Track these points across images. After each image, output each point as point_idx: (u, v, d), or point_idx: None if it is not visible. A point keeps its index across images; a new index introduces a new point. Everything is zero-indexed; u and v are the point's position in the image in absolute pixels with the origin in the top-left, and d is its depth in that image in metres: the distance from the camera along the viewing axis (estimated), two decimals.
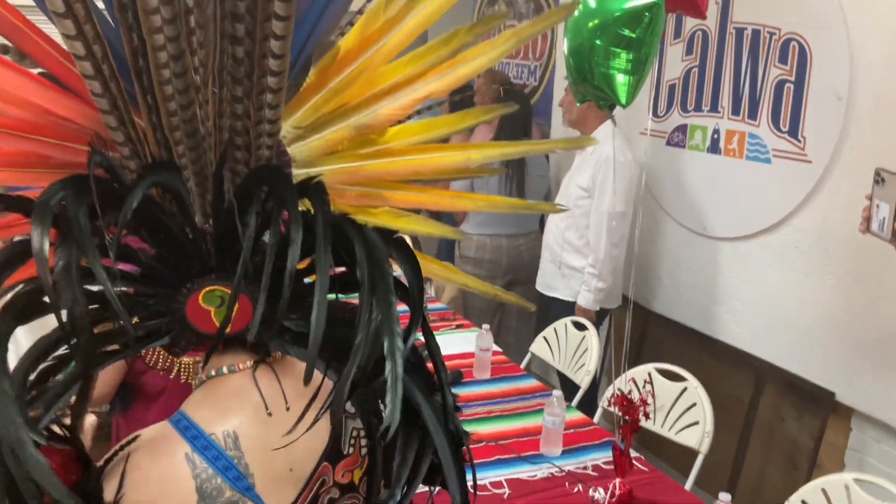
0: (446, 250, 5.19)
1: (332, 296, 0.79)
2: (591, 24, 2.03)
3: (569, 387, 3.29)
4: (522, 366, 3.46)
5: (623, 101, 2.13)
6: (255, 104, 0.81)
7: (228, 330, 0.85)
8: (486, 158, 0.99)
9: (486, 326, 3.04)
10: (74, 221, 0.72)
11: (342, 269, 0.84)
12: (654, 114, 3.68)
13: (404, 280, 0.86)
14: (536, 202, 1.02)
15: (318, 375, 0.93)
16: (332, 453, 0.90)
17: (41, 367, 0.78)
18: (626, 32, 1.99)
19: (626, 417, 2.15)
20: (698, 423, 2.69)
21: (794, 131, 2.97)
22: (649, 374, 2.88)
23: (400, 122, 0.99)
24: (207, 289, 0.84)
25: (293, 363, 0.93)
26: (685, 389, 2.78)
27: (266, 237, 0.83)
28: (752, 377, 3.27)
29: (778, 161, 3.05)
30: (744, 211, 3.23)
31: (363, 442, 0.94)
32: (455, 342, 3.24)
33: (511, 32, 0.92)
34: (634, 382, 2.27)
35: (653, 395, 2.20)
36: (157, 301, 0.85)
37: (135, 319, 0.85)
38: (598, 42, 2.01)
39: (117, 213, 0.75)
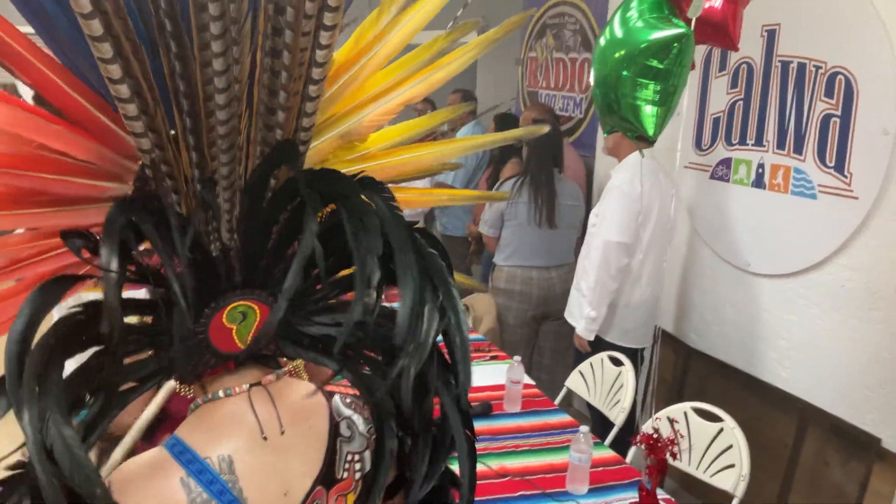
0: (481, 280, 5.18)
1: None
2: (617, 55, 2.00)
3: (605, 424, 3.21)
4: (557, 401, 3.40)
5: (651, 132, 2.10)
6: (291, 114, 0.82)
7: (251, 339, 0.85)
8: (458, 151, 1.04)
9: (517, 358, 3.00)
10: (151, 236, 0.75)
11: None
12: (698, 147, 3.62)
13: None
14: (494, 192, 1.10)
15: (317, 395, 0.93)
16: (327, 477, 0.90)
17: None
18: (654, 63, 1.96)
19: (653, 457, 2.08)
20: (734, 466, 2.59)
21: (840, 167, 2.88)
22: (685, 414, 2.79)
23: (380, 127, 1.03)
24: (232, 305, 0.84)
25: (290, 385, 0.93)
26: (721, 430, 2.69)
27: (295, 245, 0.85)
28: (796, 419, 3.15)
29: (824, 197, 2.96)
30: (789, 247, 3.14)
31: (357, 466, 0.94)
32: (487, 373, 3.21)
33: (479, 39, 0.98)
34: (669, 421, 2.21)
35: (681, 435, 2.13)
36: (167, 336, 0.85)
37: (151, 352, 0.85)
38: (624, 73, 1.98)
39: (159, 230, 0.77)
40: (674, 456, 2.08)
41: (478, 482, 2.38)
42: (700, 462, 2.72)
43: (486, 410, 2.84)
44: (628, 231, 3.24)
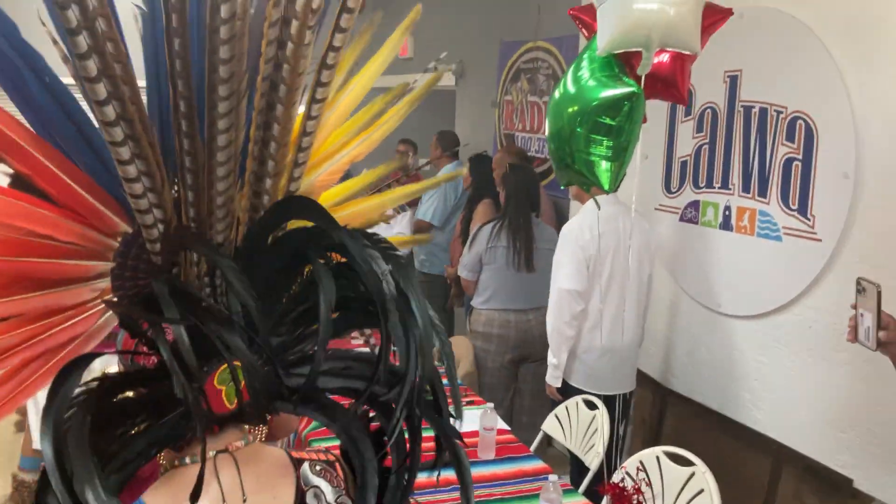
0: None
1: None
2: (570, 110, 2.05)
3: (584, 467, 3.21)
4: (534, 445, 3.40)
5: (606, 187, 2.14)
6: (280, 179, 0.87)
7: (237, 406, 0.87)
8: (402, 199, 1.10)
9: (490, 405, 3.00)
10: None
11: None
12: (668, 190, 3.67)
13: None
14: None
15: (281, 466, 0.95)
16: None
17: None
18: (606, 120, 2.00)
19: None
20: None
21: (803, 209, 2.93)
22: (657, 458, 2.80)
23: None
24: (223, 367, 0.86)
25: (260, 451, 0.95)
26: (693, 475, 2.70)
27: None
28: (771, 460, 3.16)
29: (789, 239, 3.01)
30: (757, 289, 3.17)
31: None
32: (464, 420, 3.20)
33: (407, 100, 1.06)
34: (636, 469, 2.22)
35: (647, 484, 2.14)
36: (161, 409, 0.87)
37: (144, 425, 0.87)
38: (578, 129, 2.03)
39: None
40: None
41: None
42: None
43: None
44: (579, 278, 3.27)
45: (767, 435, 3.17)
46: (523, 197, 4.04)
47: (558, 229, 4.52)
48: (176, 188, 0.85)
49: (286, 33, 0.80)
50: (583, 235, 3.26)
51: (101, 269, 0.87)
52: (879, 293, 1.95)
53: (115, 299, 0.85)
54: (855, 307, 2.08)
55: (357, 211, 1.05)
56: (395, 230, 5.31)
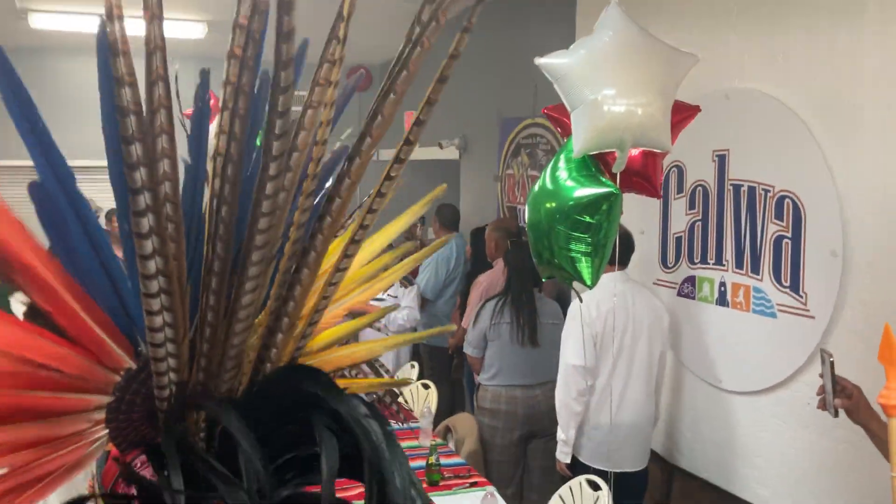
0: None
1: None
2: (548, 206, 2.11)
3: None
4: None
5: (589, 282, 2.18)
6: (292, 336, 0.91)
7: None
8: (387, 348, 1.10)
9: (490, 490, 3.00)
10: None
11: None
12: (664, 265, 3.71)
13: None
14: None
15: None
16: None
17: None
18: (586, 218, 2.06)
19: None
20: None
21: (795, 286, 2.96)
22: None
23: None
24: None
25: None
26: None
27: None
28: None
29: (783, 315, 3.03)
30: (755, 365, 3.18)
31: None
32: (466, 502, 3.20)
33: (413, 258, 1.07)
34: None
35: None
36: None
37: None
38: (559, 227, 2.08)
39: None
40: None
41: None
42: None
43: None
44: (586, 354, 3.30)
45: None
46: (526, 272, 4.09)
47: (561, 303, 4.58)
48: (191, 338, 0.89)
49: (326, 207, 0.85)
50: (589, 313, 3.29)
51: (100, 402, 0.91)
52: (832, 363, 2.09)
53: (112, 435, 0.88)
54: (822, 376, 2.14)
55: (345, 355, 1.07)
56: (403, 303, 5.36)
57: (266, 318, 0.91)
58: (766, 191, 3.07)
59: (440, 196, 1.10)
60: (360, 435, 0.83)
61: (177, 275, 0.81)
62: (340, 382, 1.14)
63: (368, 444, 0.83)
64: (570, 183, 2.12)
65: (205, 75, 0.93)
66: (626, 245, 3.37)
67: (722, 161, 3.30)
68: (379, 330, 1.25)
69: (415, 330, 5.69)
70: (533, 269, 4.12)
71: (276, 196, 0.81)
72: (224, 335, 0.86)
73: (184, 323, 0.84)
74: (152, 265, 0.78)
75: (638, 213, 3.66)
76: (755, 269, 3.15)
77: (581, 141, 2.04)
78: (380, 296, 5.47)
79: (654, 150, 2.19)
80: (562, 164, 2.18)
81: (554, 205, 2.13)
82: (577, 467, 3.53)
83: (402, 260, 1.10)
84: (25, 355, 0.81)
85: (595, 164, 2.16)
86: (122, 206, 0.80)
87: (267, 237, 0.82)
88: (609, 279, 3.17)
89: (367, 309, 1.19)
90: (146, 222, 0.77)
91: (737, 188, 3.22)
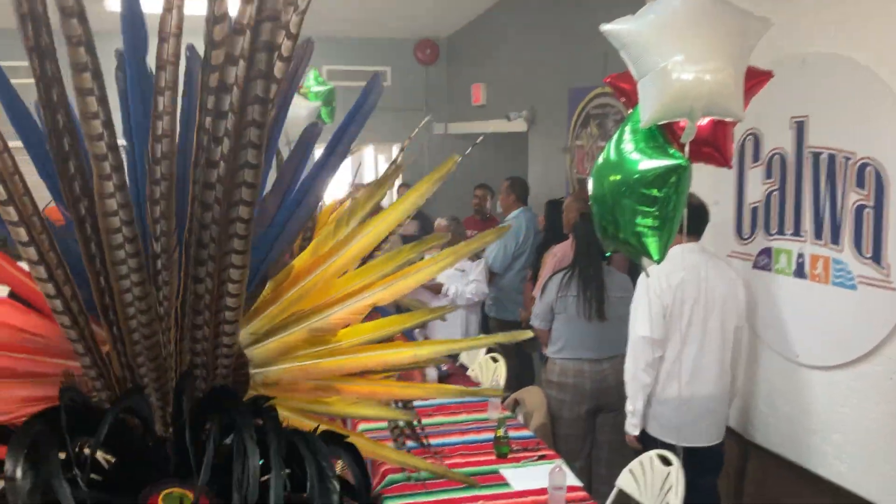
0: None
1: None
2: (613, 179, 2.06)
3: None
4: (608, 502, 3.36)
5: (656, 257, 2.13)
6: (213, 332, 0.93)
7: None
8: (434, 354, 1.06)
9: (558, 463, 2.99)
10: (44, 458, 0.85)
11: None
12: (740, 236, 3.61)
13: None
14: (479, 388, 1.08)
15: None
16: None
17: None
18: (654, 192, 2.01)
19: None
20: None
21: (877, 257, 2.84)
22: None
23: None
24: (166, 491, 0.94)
25: None
26: None
27: (227, 440, 0.94)
28: None
29: (864, 288, 2.91)
30: (834, 339, 3.08)
31: None
32: (534, 476, 3.20)
33: (451, 250, 1.01)
34: None
35: None
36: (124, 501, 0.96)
37: None
38: (625, 201, 2.04)
39: (87, 434, 0.88)
40: None
41: None
42: None
43: None
44: (654, 326, 3.25)
45: (851, 490, 3.04)
46: (594, 246, 4.02)
47: (633, 275, 4.50)
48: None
49: (215, 209, 0.86)
50: (659, 284, 3.23)
51: (71, 368, 0.97)
52: None
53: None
54: None
55: (377, 356, 1.05)
56: (471, 277, 5.37)
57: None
58: (847, 158, 2.94)
59: (451, 170, 1.04)
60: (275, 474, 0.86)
61: (57, 262, 0.87)
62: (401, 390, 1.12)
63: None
64: (636, 155, 2.07)
65: (191, 51, 0.97)
66: (700, 216, 3.29)
67: (800, 128, 3.18)
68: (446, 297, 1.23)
69: (483, 304, 5.70)
70: (601, 241, 4.08)
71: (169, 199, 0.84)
72: (126, 325, 0.90)
73: (78, 306, 0.89)
74: (32, 252, 0.83)
75: (711, 182, 3.56)
76: (835, 239, 3.03)
77: (649, 110, 1.98)
78: (448, 269, 5.48)
79: (725, 119, 2.12)
80: (627, 135, 2.13)
81: (619, 178, 2.08)
82: (646, 441, 3.49)
83: (422, 256, 1.06)
84: (12, 323, 0.93)
85: (663, 135, 2.10)
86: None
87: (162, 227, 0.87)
88: (680, 251, 3.10)
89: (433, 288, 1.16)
90: (23, 231, 0.82)
91: (816, 156, 3.10)
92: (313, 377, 1.07)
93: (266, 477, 0.89)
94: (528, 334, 1.06)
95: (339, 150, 1.01)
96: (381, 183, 0.99)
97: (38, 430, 0.86)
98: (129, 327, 0.90)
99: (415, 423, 1.36)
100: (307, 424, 1.03)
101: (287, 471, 0.94)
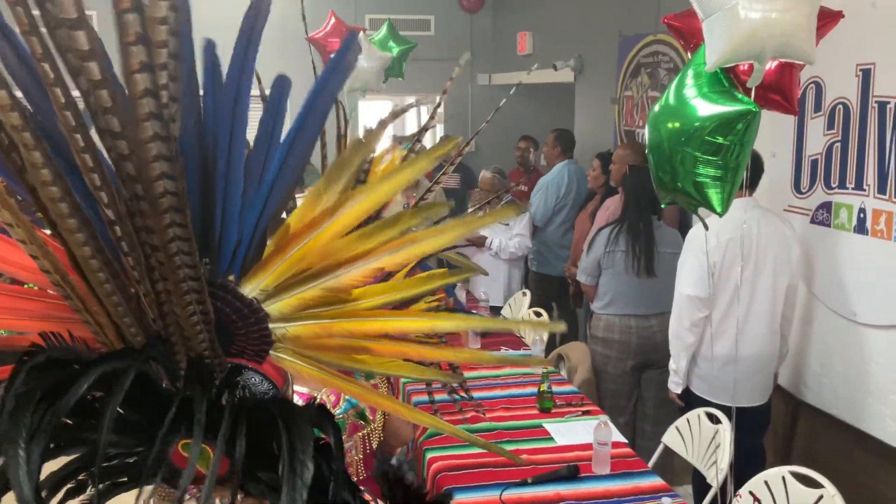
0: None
1: None
2: (672, 126, 1.96)
3: (705, 483, 3.11)
4: (653, 459, 3.32)
5: (719, 209, 2.03)
6: (181, 302, 0.90)
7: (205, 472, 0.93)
8: (454, 328, 1.01)
9: (603, 418, 2.95)
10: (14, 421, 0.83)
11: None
12: (797, 190, 3.47)
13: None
14: (524, 357, 0.99)
15: None
16: None
17: None
18: (719, 139, 1.90)
19: None
20: None
21: None
22: (783, 479, 2.67)
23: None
24: (183, 442, 0.93)
25: None
26: (821, 497, 2.55)
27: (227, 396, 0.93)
28: None
29: None
30: (895, 297, 2.96)
31: None
32: (577, 431, 3.17)
33: (458, 221, 0.94)
34: (752, 496, 2.13)
35: None
36: (145, 448, 0.95)
37: (127, 460, 0.95)
38: (686, 149, 1.93)
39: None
40: None
41: None
42: None
43: (573, 473, 2.81)
44: (701, 284, 3.15)
45: None
46: (644, 199, 3.92)
47: (683, 230, 4.39)
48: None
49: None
50: (709, 241, 3.13)
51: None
52: None
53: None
54: None
55: (395, 322, 1.00)
56: (515, 231, 5.30)
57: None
58: None
59: (457, 146, 0.96)
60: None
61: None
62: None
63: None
64: (699, 101, 1.96)
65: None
66: (755, 168, 3.16)
67: (866, 76, 3.02)
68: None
69: (527, 258, 5.64)
70: (652, 195, 3.95)
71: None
72: (100, 290, 0.87)
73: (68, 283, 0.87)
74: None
75: (768, 133, 3.42)
76: None
77: (716, 52, 1.87)
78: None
79: (794, 62, 1.99)
80: (690, 79, 2.02)
81: (678, 125, 1.98)
82: (691, 399, 3.43)
83: (434, 221, 0.98)
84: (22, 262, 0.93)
85: (728, 79, 1.99)
86: None
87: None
88: (733, 206, 2.98)
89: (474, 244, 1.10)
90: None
91: (882, 105, 2.95)
92: (335, 335, 1.02)
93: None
94: (561, 327, 0.98)
95: (319, 106, 0.95)
96: (367, 142, 0.93)
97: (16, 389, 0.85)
98: (105, 291, 0.88)
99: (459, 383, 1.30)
100: (335, 382, 1.00)
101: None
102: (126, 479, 0.93)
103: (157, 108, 0.78)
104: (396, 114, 1.20)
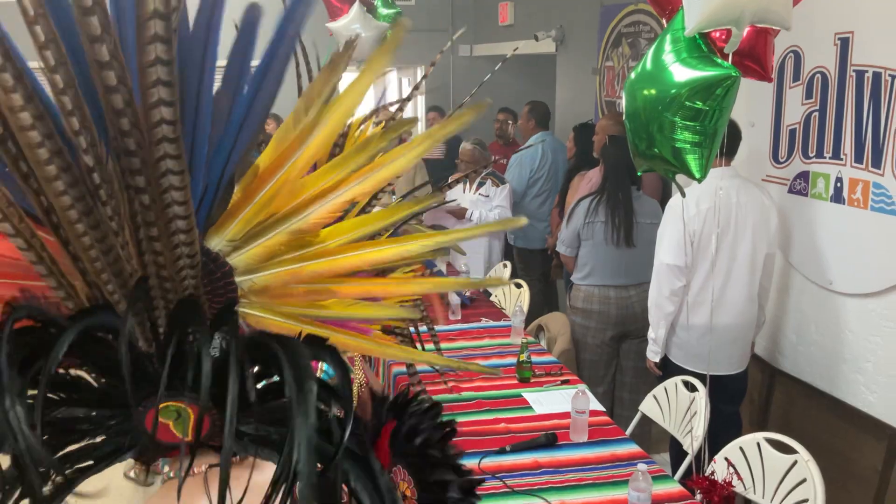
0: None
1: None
2: (647, 92, 1.95)
3: (682, 451, 3.14)
4: (631, 427, 3.35)
5: (698, 175, 2.03)
6: (168, 244, 0.87)
7: (193, 439, 0.91)
8: (422, 249, 0.98)
9: (581, 388, 2.97)
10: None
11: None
12: (775, 160, 3.48)
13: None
14: (486, 279, 0.95)
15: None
16: None
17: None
18: (698, 104, 1.89)
19: (708, 501, 2.03)
20: (808, 501, 2.49)
21: None
22: (758, 444, 2.70)
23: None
24: (163, 405, 0.90)
25: (259, 465, 0.97)
26: (795, 463, 2.59)
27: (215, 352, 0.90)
28: (885, 446, 2.99)
29: None
30: (871, 266, 2.98)
31: None
32: (556, 400, 3.18)
33: (425, 135, 0.91)
34: (727, 460, 2.16)
35: (739, 477, 2.07)
36: (117, 420, 0.92)
37: (101, 438, 0.93)
38: (665, 114, 1.92)
39: (68, 356, 0.84)
40: (731, 500, 2.02)
41: None
42: (774, 495, 2.62)
43: (551, 441, 2.83)
44: (680, 253, 3.17)
45: (881, 420, 2.99)
46: (623, 170, 3.92)
47: (663, 202, 4.40)
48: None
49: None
50: (687, 210, 3.13)
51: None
52: None
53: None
54: None
55: (369, 254, 0.98)
56: (495, 202, 5.29)
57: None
58: (894, 77, 2.79)
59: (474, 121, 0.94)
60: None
61: None
62: (400, 281, 1.05)
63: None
64: (678, 66, 1.95)
65: None
66: (732, 135, 3.17)
67: (845, 45, 3.01)
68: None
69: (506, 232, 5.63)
70: (631, 166, 3.96)
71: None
72: (77, 243, 0.83)
73: (28, 230, 0.81)
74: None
75: (747, 103, 3.42)
76: (876, 163, 2.91)
77: (695, 17, 1.85)
78: (470, 195, 5.41)
79: (768, 28, 1.99)
80: (668, 45, 2.01)
81: (654, 92, 1.97)
82: (668, 368, 3.46)
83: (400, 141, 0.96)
84: None
85: (707, 45, 1.97)
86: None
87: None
88: (711, 175, 2.99)
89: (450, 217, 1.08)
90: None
91: (860, 74, 2.95)
92: (303, 280, 1.00)
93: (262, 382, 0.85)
94: (503, 282, 0.97)
95: (287, 35, 0.90)
96: (334, 67, 0.89)
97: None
98: (83, 244, 0.84)
99: (425, 326, 1.28)
100: (299, 330, 0.98)
101: (275, 379, 0.90)
102: (92, 462, 0.90)
103: (164, 31, 0.75)
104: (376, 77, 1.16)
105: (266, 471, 0.97)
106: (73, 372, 0.87)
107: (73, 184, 0.80)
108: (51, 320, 0.86)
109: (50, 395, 0.84)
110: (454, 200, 5.20)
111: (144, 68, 0.76)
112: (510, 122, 6.47)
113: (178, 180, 0.81)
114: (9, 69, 0.73)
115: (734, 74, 1.91)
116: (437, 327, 1.48)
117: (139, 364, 0.91)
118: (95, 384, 0.91)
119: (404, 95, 1.42)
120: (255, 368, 0.85)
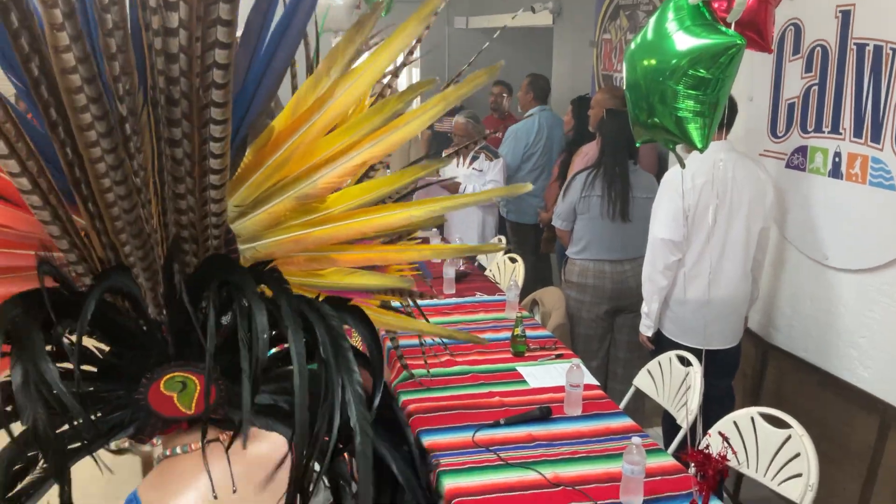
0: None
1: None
2: (648, 62, 1.92)
3: (676, 424, 3.14)
4: (625, 401, 3.35)
5: (699, 144, 2.01)
6: (199, 199, 0.84)
7: (196, 412, 0.89)
8: (428, 214, 0.97)
9: (575, 362, 2.96)
10: (27, 341, 0.77)
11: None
12: (773, 134, 3.46)
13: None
14: (481, 245, 0.95)
15: (279, 451, 0.95)
16: None
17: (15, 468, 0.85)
18: (701, 73, 1.86)
19: (702, 474, 2.03)
20: (801, 476, 2.50)
21: None
22: (752, 419, 2.70)
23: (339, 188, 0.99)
24: (168, 376, 0.88)
25: (254, 438, 0.95)
26: (789, 437, 2.59)
27: (225, 320, 0.87)
28: (878, 421, 3.00)
29: None
30: (867, 241, 2.97)
31: None
32: (551, 374, 3.18)
33: (439, 97, 0.90)
34: (721, 434, 2.15)
35: (734, 451, 2.06)
36: (119, 395, 0.90)
37: (98, 414, 0.90)
38: (669, 83, 1.90)
39: (72, 320, 0.81)
40: (725, 474, 2.02)
41: (531, 491, 2.38)
42: (767, 469, 2.63)
43: (545, 414, 2.82)
44: (675, 227, 3.15)
45: (874, 395, 3.00)
46: (620, 144, 3.89)
47: (659, 176, 4.37)
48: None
49: (173, 44, 0.76)
50: (684, 184, 3.11)
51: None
52: None
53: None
54: None
55: (374, 220, 0.96)
56: (489, 177, 5.25)
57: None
58: (895, 50, 2.76)
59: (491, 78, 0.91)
60: (294, 347, 0.80)
61: (16, 133, 0.78)
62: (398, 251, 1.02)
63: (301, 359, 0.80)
64: (682, 34, 1.91)
65: None
66: (730, 109, 3.14)
67: (846, 18, 2.98)
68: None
69: (500, 203, 5.61)
70: (629, 140, 3.93)
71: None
72: (102, 198, 0.81)
73: (47, 182, 0.80)
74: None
75: (746, 77, 3.39)
76: (875, 137, 2.88)
77: None
78: (464, 169, 5.37)
79: None
80: (671, 14, 1.97)
81: (658, 59, 1.94)
82: (662, 342, 3.46)
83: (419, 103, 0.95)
84: None
85: (711, 13, 1.94)
86: None
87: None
88: (708, 148, 2.96)
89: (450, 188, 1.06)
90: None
91: (861, 48, 2.92)
92: (306, 248, 0.98)
93: (275, 348, 0.83)
94: (498, 247, 0.97)
95: (304, 3, 0.88)
96: (360, 27, 0.86)
97: (16, 312, 0.79)
98: (106, 201, 0.81)
99: (413, 298, 1.26)
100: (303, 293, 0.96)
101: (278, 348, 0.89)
102: (88, 441, 0.88)
103: None
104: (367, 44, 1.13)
105: (262, 442, 0.95)
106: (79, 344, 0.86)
107: (107, 133, 0.76)
108: (66, 282, 0.84)
109: (59, 365, 0.82)
110: (452, 178, 5.17)
111: (208, 5, 0.73)
112: (505, 95, 6.42)
113: (220, 130, 0.78)
114: (60, 4, 0.69)
115: (739, 42, 1.88)
116: (431, 301, 1.48)
117: (148, 332, 0.89)
118: (101, 356, 0.89)
119: (397, 66, 1.39)
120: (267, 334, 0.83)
